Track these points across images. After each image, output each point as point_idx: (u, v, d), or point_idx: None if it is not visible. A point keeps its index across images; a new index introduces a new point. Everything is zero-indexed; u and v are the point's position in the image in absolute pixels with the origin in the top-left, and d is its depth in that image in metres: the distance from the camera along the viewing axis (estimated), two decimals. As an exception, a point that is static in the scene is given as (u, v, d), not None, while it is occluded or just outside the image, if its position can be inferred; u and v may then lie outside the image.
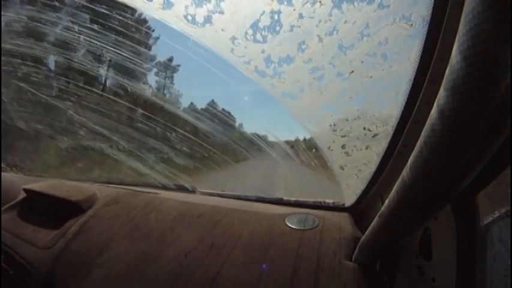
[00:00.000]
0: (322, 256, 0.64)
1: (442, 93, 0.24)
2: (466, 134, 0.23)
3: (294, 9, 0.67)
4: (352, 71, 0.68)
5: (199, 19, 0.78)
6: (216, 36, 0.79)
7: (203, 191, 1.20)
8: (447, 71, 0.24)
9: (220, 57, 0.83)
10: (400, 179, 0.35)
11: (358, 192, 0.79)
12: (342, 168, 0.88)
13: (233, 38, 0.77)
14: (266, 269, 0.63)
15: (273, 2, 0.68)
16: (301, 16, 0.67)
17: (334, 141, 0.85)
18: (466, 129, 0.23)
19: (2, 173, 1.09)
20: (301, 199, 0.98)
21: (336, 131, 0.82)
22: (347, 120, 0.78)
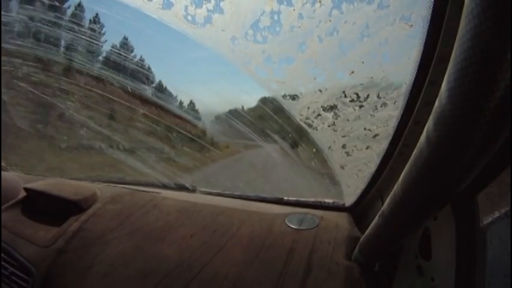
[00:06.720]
0: (322, 256, 0.64)
1: (442, 94, 0.25)
2: (467, 134, 0.23)
3: (294, 10, 0.67)
4: (353, 71, 0.69)
5: (199, 19, 0.78)
6: (216, 36, 0.79)
7: (203, 190, 1.20)
8: (447, 71, 0.24)
9: (221, 57, 0.83)
10: (400, 179, 0.36)
11: (358, 192, 0.79)
12: (342, 167, 0.88)
13: (233, 39, 0.77)
14: (266, 268, 0.63)
15: (272, 2, 0.68)
16: (301, 16, 0.67)
17: (334, 141, 0.85)
18: (467, 129, 0.23)
19: (3, 172, 1.09)
20: (301, 199, 0.98)
21: (336, 131, 0.82)
22: (347, 120, 0.78)
